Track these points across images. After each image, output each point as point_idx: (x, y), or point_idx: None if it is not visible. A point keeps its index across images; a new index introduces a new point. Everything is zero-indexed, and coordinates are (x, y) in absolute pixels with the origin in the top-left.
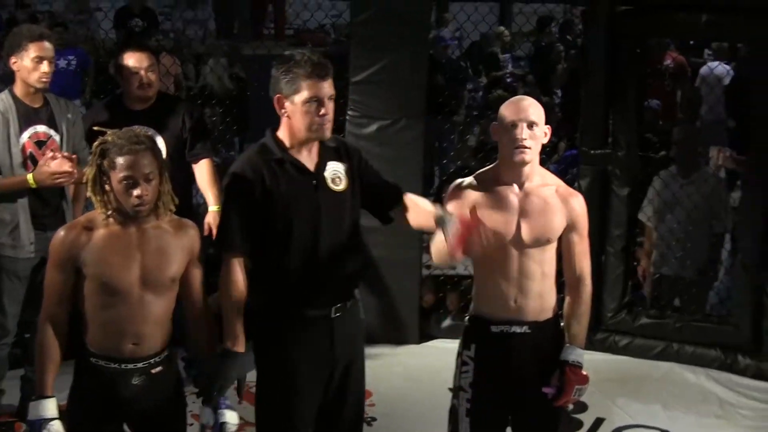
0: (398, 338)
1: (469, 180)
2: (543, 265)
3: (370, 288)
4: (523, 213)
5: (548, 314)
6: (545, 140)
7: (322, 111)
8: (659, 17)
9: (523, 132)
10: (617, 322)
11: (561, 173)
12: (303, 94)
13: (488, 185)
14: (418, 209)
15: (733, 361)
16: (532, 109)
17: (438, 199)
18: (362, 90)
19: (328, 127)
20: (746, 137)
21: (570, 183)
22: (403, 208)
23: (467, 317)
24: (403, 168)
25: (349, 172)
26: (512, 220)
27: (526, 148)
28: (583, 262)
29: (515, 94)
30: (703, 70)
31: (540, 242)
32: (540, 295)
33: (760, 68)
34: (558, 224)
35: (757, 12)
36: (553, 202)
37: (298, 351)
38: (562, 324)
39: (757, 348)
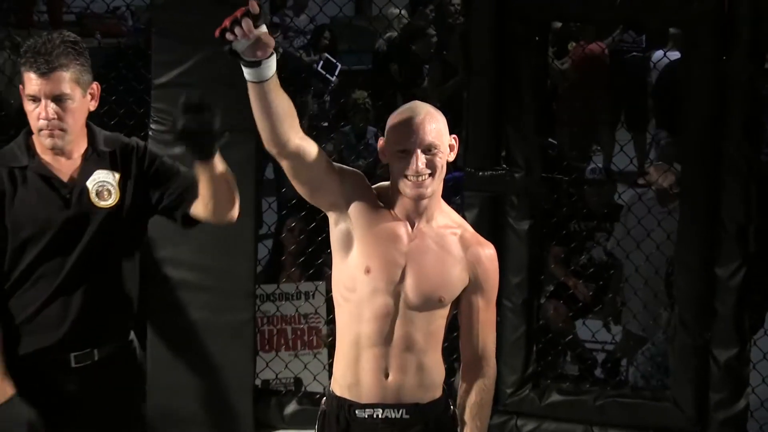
0: (227, 428)
1: (377, 185)
2: (430, 332)
3: (188, 361)
4: (411, 260)
5: (434, 393)
6: (452, 156)
7: (42, 114)
8: None
9: (418, 161)
10: (519, 400)
11: None
12: (25, 91)
13: (380, 208)
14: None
15: None
16: (428, 125)
17: (277, 244)
18: (167, 95)
19: (58, 134)
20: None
21: None
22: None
23: (323, 398)
24: None
25: (122, 183)
26: (396, 266)
27: (423, 181)
28: (488, 336)
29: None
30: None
31: (429, 303)
32: (423, 368)
33: (694, 56)
34: (456, 280)
35: None
36: (453, 250)
37: (24, 406)
38: (453, 407)
39: (703, 430)
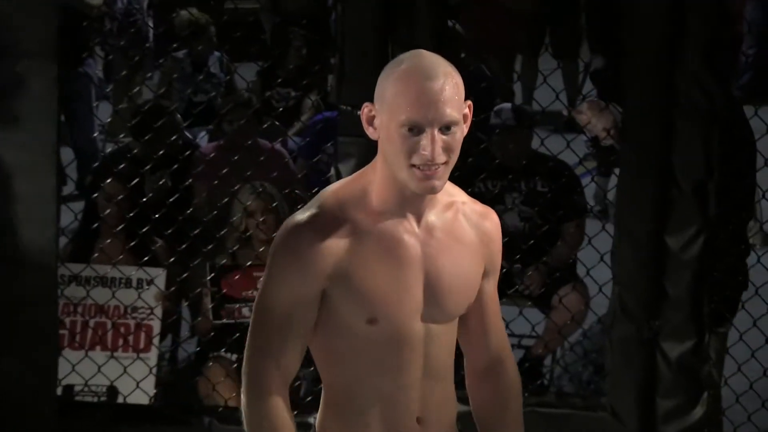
0: None
1: (314, 213)
2: (450, 349)
3: None
4: (429, 265)
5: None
6: (464, 129)
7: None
8: None
9: (435, 145)
10: None
11: (308, 153)
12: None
13: (364, 220)
14: None
15: None
16: (448, 91)
17: (89, 208)
18: None
19: None
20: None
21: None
22: None
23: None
24: None
25: None
26: (415, 281)
27: (437, 170)
28: (502, 327)
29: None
30: None
31: (456, 312)
32: (448, 401)
33: None
34: (477, 276)
35: None
36: (465, 236)
37: None
38: None
39: None
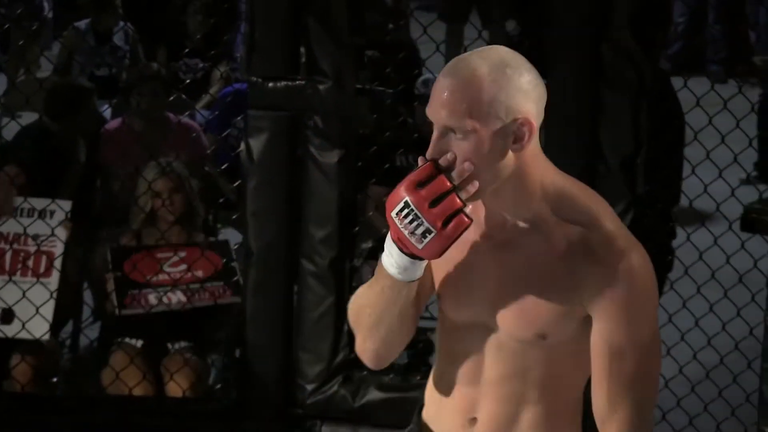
0: None
1: None
2: (525, 375)
3: None
4: (501, 278)
5: None
6: (517, 148)
7: None
8: None
9: (433, 144)
10: (325, 399)
11: (217, 127)
12: None
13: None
14: None
15: None
16: (458, 94)
17: None
18: None
19: None
20: None
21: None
22: None
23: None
24: None
25: None
26: (483, 289)
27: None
28: (621, 386)
29: None
30: None
31: (523, 336)
32: (515, 426)
33: None
34: (553, 309)
35: None
36: (550, 264)
37: None
38: None
39: None
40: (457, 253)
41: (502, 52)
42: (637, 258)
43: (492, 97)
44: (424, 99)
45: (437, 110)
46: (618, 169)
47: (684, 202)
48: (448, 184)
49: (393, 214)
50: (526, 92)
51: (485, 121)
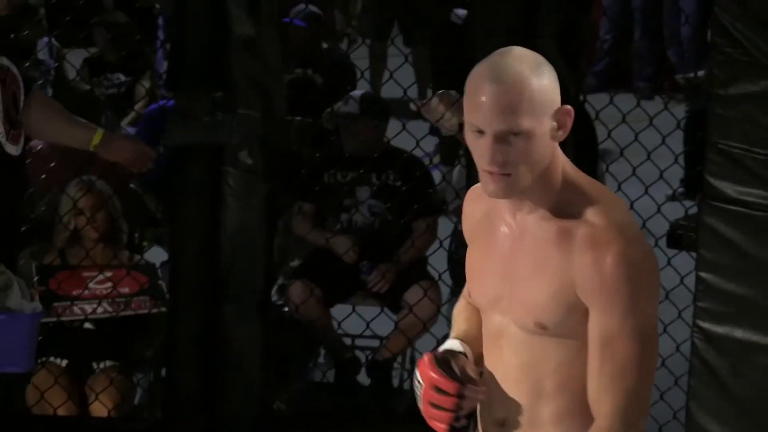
0: None
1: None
2: (543, 369)
3: None
4: (512, 264)
5: None
6: (561, 136)
7: None
8: None
9: (490, 151)
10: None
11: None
12: None
13: (487, 203)
14: None
15: None
16: (508, 97)
17: None
18: None
19: None
20: None
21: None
22: None
23: None
24: None
25: None
26: (498, 273)
27: (497, 175)
28: (611, 374)
29: None
30: None
31: (525, 325)
32: (538, 423)
33: None
34: (550, 298)
35: None
36: (549, 253)
37: None
38: None
39: None
40: (483, 241)
41: (525, 51)
42: (633, 250)
43: (540, 95)
44: (351, 116)
45: (490, 117)
46: None
47: None
48: (452, 404)
49: (417, 375)
50: (556, 84)
51: (539, 119)
